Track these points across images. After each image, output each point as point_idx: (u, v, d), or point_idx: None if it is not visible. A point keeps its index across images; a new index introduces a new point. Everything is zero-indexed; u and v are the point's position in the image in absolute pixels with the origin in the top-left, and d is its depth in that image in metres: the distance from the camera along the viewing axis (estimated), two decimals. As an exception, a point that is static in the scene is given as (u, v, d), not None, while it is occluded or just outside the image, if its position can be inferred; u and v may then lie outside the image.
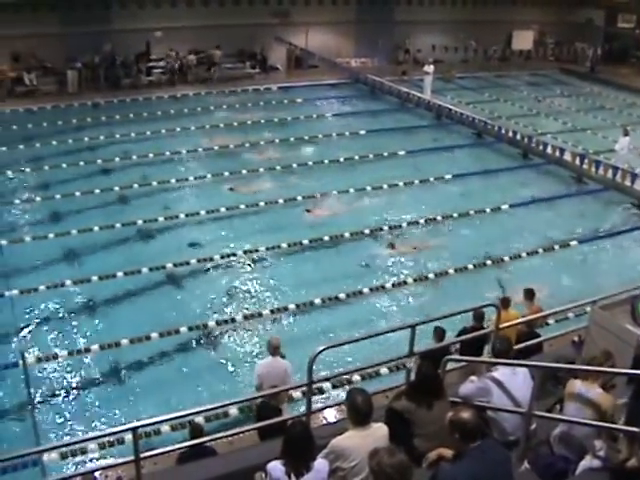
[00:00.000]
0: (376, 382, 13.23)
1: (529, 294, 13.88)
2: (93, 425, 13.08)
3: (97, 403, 13.87)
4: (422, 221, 21.87)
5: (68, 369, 14.90)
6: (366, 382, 13.40)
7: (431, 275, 18.61)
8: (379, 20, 42.47)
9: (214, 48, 39.40)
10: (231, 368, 14.86)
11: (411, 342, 9.23)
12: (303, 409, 9.54)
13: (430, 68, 36.05)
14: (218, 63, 39.44)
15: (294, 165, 26.34)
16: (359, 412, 6.94)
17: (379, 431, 7.05)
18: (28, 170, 25.97)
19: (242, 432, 10.07)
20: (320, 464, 6.72)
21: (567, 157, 26.76)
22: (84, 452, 12.25)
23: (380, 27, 42.38)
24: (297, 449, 6.67)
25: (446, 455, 7.09)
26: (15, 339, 15.41)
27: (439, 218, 22.02)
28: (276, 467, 6.67)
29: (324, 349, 8.47)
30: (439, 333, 12.02)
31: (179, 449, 9.38)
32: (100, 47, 37.58)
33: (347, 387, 13.19)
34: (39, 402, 13.39)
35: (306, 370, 8.58)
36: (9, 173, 25.55)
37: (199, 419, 11.78)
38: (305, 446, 6.69)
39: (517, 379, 8.20)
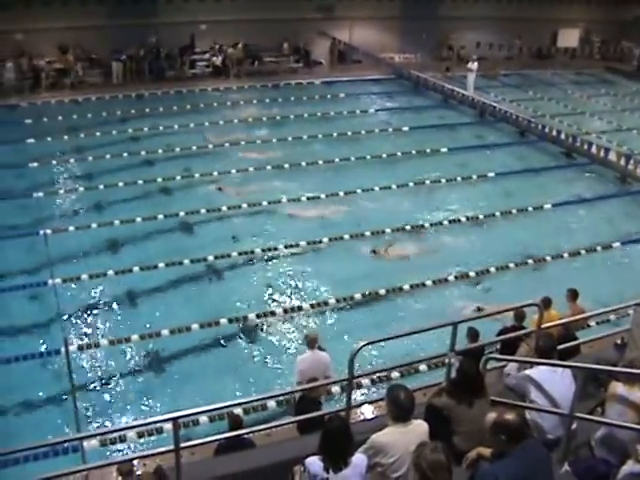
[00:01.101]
0: (415, 379, 13.20)
1: (572, 295, 13.75)
2: (132, 414, 13.24)
3: (136, 392, 14.03)
4: (463, 219, 21.75)
5: (108, 358, 15.08)
6: (405, 379, 13.39)
7: (472, 273, 18.49)
8: (423, 16, 42.24)
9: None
10: (269, 361, 14.93)
11: (452, 340, 9.20)
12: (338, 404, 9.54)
13: (474, 65, 35.84)
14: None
15: (336, 160, 26.30)
16: (401, 408, 6.91)
17: (419, 428, 7.02)
18: (72, 160, 26.30)
19: (281, 425, 10.09)
20: (358, 459, 6.73)
21: (612, 157, 26.48)
22: (123, 440, 12.37)
23: (424, 23, 42.17)
24: (335, 444, 6.67)
25: (485, 454, 7.06)
26: (58, 327, 15.54)
27: (481, 217, 21.86)
28: (314, 462, 6.69)
29: (365, 344, 8.45)
30: (472, 334, 11.95)
31: (218, 440, 9.44)
32: (145, 39, 37.86)
33: (385, 384, 13.20)
34: (80, 389, 13.50)
35: (347, 365, 8.56)
36: (54, 163, 25.87)
37: (238, 411, 11.81)
38: (343, 441, 6.69)
39: (556, 378, 8.14)
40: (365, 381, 13.53)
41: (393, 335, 9.98)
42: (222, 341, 15.57)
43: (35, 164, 25.13)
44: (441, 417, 7.91)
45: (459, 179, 25.00)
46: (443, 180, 24.71)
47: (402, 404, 6.92)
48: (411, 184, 24.10)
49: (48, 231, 19.19)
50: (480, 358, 9.29)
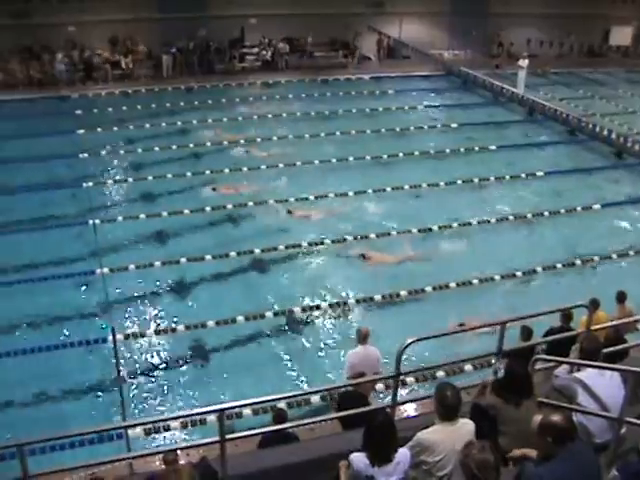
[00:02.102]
0: (460, 379, 13.11)
1: (621, 297, 13.58)
2: (175, 404, 13.36)
3: (180, 382, 14.14)
4: (511, 217, 21.57)
5: (154, 347, 15.24)
6: (450, 378, 13.31)
7: (519, 273, 18.32)
8: (473, 12, 42.03)
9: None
10: (314, 355, 14.94)
11: (500, 340, 9.13)
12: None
13: (524, 62, 35.43)
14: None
15: (384, 156, 26.24)
16: (448, 406, 6.88)
17: (465, 427, 6.99)
18: (122, 152, 26.66)
19: (326, 420, 10.09)
20: (402, 454, 6.73)
21: (664, 158, 26.10)
22: (167, 430, 12.47)
23: (474, 19, 41.96)
24: (379, 439, 6.67)
25: (531, 455, 7.00)
26: (105, 315, 15.73)
27: (529, 216, 21.65)
28: (359, 458, 6.70)
29: (413, 341, 8.41)
30: (526, 332, 11.86)
31: (263, 433, 9.47)
32: (195, 33, 38.12)
33: (430, 382, 13.17)
34: (127, 378, 13.65)
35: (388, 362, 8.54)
36: (103, 154, 26.20)
37: (282, 405, 11.84)
38: (387, 436, 6.69)
39: (604, 381, 8.03)
40: (410, 379, 13.48)
41: (441, 333, 9.93)
42: (267, 334, 15.62)
43: (85, 155, 25.46)
44: (487, 417, 7.85)
45: (507, 177, 24.78)
46: (491, 178, 24.51)
47: (449, 403, 6.89)
48: (459, 181, 23.96)
49: (97, 221, 19.40)
50: (530, 358, 9.20)
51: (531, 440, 6.88)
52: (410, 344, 8.34)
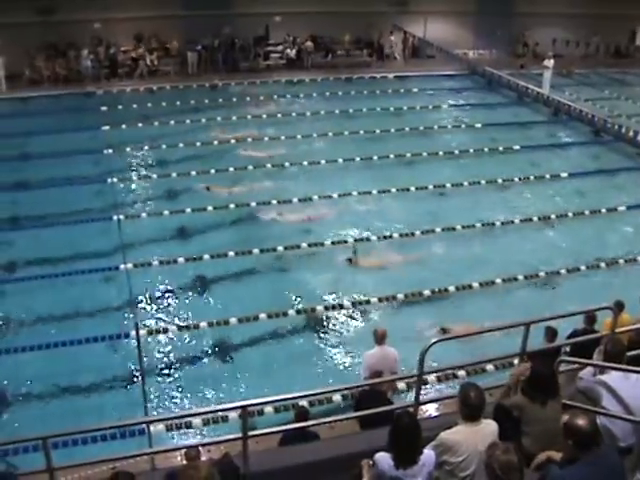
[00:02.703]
0: (482, 379, 13.05)
1: (645, 299, 13.47)
2: (196, 400, 13.41)
3: (201, 379, 14.18)
4: (535, 218, 21.44)
5: (177, 343, 15.31)
6: (471, 378, 13.25)
7: (542, 274, 18.22)
8: (499, 12, 41.72)
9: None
10: (335, 354, 14.94)
11: (524, 340, 9.09)
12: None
13: (550, 62, 35.21)
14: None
15: (408, 155, 26.20)
16: (471, 406, 6.86)
17: (489, 427, 6.96)
18: (146, 148, 26.76)
19: (348, 418, 10.07)
20: (427, 456, 6.68)
21: (690, 160, 25.87)
22: (189, 426, 12.49)
23: (499, 19, 41.67)
24: (405, 441, 6.62)
25: (555, 458, 6.96)
26: (128, 311, 15.81)
27: (553, 217, 21.53)
28: (384, 458, 6.67)
29: (437, 341, 8.40)
30: (551, 333, 11.80)
31: (285, 431, 9.49)
32: (220, 30, 38.21)
33: (451, 382, 13.12)
34: (148, 373, 13.69)
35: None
36: (128, 150, 26.33)
37: (303, 402, 11.85)
38: (413, 438, 6.64)
39: (628, 384, 7.98)
40: (431, 378, 13.44)
41: (463, 333, 9.91)
42: (289, 332, 15.65)
43: (110, 150, 25.58)
44: (510, 418, 7.82)
45: (531, 178, 24.64)
46: (515, 178, 24.39)
47: (472, 403, 6.87)
48: (483, 181, 23.86)
49: (121, 216, 19.50)
50: (555, 358, 9.15)
51: (555, 441, 6.86)
52: (434, 344, 8.32)
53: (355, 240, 19.49)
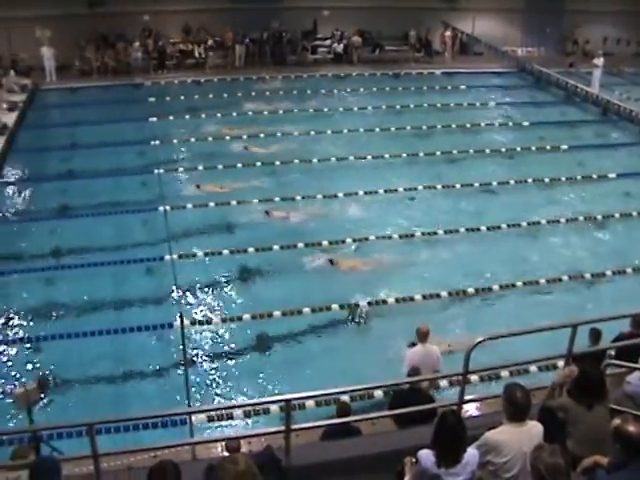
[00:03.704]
0: (524, 380, 12.95)
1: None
2: (237, 391, 13.47)
3: (243, 371, 14.26)
4: (581, 218, 21.21)
5: (220, 335, 15.41)
6: (514, 378, 13.13)
7: (587, 275, 18.00)
8: (549, 9, 41.32)
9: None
10: (377, 349, 14.79)
11: (571, 342, 9.02)
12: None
13: (600, 61, 34.80)
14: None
15: (454, 152, 26.08)
16: (517, 407, 6.81)
17: (534, 429, 6.91)
18: (193, 140, 26.96)
19: (390, 415, 10.06)
20: (471, 456, 6.65)
21: None
22: (230, 417, 12.54)
23: (549, 16, 41.30)
24: (449, 441, 6.59)
25: (602, 463, 6.88)
26: (173, 301, 15.93)
27: (599, 217, 21.28)
28: (427, 456, 6.63)
29: (483, 340, 8.36)
30: (595, 335, 11.66)
31: (328, 425, 9.51)
32: (268, 24, 38.33)
33: (494, 382, 13.03)
34: (191, 364, 13.78)
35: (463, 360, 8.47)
36: (175, 142, 26.52)
37: (344, 397, 11.85)
38: (457, 437, 6.61)
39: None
40: (474, 377, 13.37)
41: (510, 332, 9.82)
42: (333, 326, 15.66)
43: (157, 142, 25.71)
44: (556, 419, 7.75)
45: (579, 177, 24.33)
46: (562, 178, 24.11)
47: (519, 403, 6.81)
48: (529, 180, 23.66)
49: (167, 207, 19.63)
50: (601, 361, 9.06)
51: (601, 445, 6.79)
52: (480, 342, 8.28)
53: (400, 236, 19.46)
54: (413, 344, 13.90)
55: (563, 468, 5.71)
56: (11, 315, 16.00)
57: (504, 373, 13.38)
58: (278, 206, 21.22)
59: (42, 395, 12.97)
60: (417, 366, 10.88)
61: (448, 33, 41.14)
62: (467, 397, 9.18)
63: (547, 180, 23.87)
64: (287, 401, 8.16)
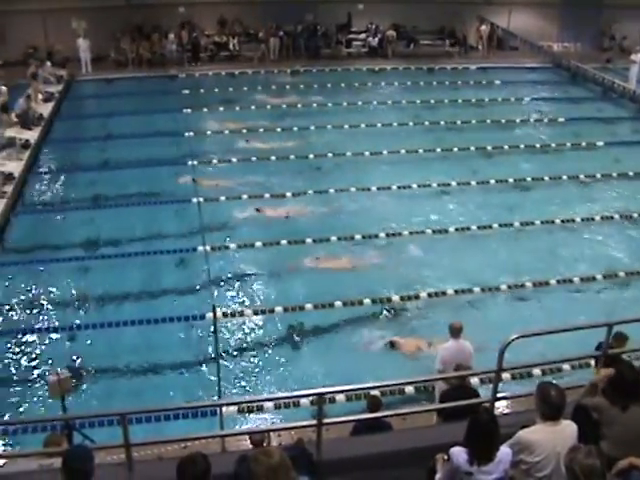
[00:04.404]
0: (557, 379, 12.84)
1: None
2: (267, 384, 13.55)
3: (273, 363, 14.29)
4: (616, 216, 20.98)
5: (251, 327, 15.47)
6: (546, 377, 13.03)
7: (622, 274, 17.76)
8: (586, 4, 40.85)
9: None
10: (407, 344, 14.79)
11: (606, 342, 8.93)
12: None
13: (637, 57, 34.33)
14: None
15: (488, 147, 25.93)
16: (551, 406, 6.72)
17: (568, 428, 6.83)
18: (226, 132, 27.11)
19: (424, 411, 10.05)
20: (504, 454, 6.58)
21: None
22: (260, 410, 12.58)
23: (586, 11, 40.79)
24: (483, 439, 6.53)
25: (638, 464, 6.78)
26: (206, 293, 15.97)
27: (635, 215, 21.02)
28: (460, 453, 6.57)
29: (517, 337, 8.27)
30: (621, 339, 11.45)
31: (360, 420, 9.49)
32: (303, 17, 38.30)
33: (526, 380, 12.94)
34: (222, 356, 13.82)
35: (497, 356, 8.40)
36: (209, 133, 26.65)
37: (375, 392, 11.82)
38: (491, 436, 6.55)
39: None
40: (505, 375, 13.29)
41: (544, 330, 9.73)
42: (364, 320, 15.61)
43: (191, 133, 25.80)
44: (590, 419, 7.67)
45: (614, 174, 24.03)
46: (598, 175, 23.84)
47: (553, 402, 6.73)
48: (564, 177, 23.43)
49: (201, 199, 19.68)
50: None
51: (636, 446, 6.71)
52: (514, 340, 8.21)
53: (433, 231, 19.42)
54: (392, 344, 14.04)
55: (599, 470, 5.63)
56: (45, 304, 16.20)
57: (536, 371, 13.33)
58: (310, 199, 21.25)
59: (75, 384, 13.08)
60: (454, 362, 10.84)
61: (484, 27, 40.85)
62: (499, 394, 9.07)
63: (582, 177, 23.62)
64: (320, 395, 8.15)
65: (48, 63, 32.57)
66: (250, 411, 12.55)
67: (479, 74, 37.12)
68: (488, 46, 41.25)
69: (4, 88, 25.53)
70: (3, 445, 11.78)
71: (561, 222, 20.31)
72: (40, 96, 29.03)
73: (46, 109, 28.15)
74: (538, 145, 26.59)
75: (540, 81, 36.61)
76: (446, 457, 6.84)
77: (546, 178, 23.27)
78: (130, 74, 34.17)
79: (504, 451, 6.61)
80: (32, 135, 24.92)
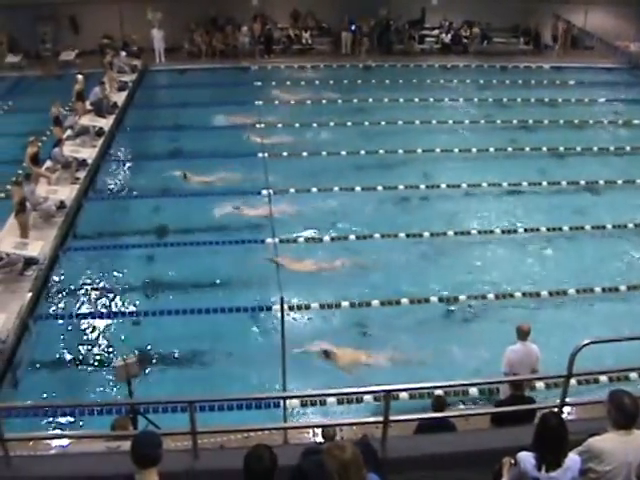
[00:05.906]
0: (624, 386, 12.62)
1: None
2: (331, 379, 13.39)
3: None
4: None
5: (317, 321, 15.60)
6: (614, 384, 12.81)
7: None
8: (667, 2, 40.01)
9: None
10: (475, 345, 14.64)
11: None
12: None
13: None
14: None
15: (561, 148, 25.54)
16: (625, 414, 6.53)
17: (641, 439, 6.70)
18: (297, 126, 27.34)
19: (488, 414, 9.95)
20: (572, 460, 6.46)
21: None
22: (323, 404, 12.66)
23: (667, 10, 39.94)
24: (551, 444, 6.43)
25: None
26: (273, 284, 16.02)
27: None
28: (527, 458, 6.49)
29: (588, 343, 8.14)
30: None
31: (426, 419, 9.46)
32: (376, 11, 38.16)
33: (592, 386, 12.76)
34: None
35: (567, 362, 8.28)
36: (279, 126, 26.86)
37: (439, 392, 11.76)
38: (560, 441, 6.43)
39: None
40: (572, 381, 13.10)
41: (617, 337, 9.59)
42: (430, 319, 15.59)
43: (262, 125, 25.86)
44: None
45: (690, 181, 23.56)
46: (672, 180, 23.37)
47: (627, 410, 6.54)
48: (638, 181, 22.93)
49: (271, 191, 19.77)
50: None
51: None
52: (585, 345, 8.09)
53: (502, 231, 19.25)
54: (325, 353, 13.86)
55: None
56: (114, 289, 16.53)
57: (602, 378, 13.13)
58: (381, 195, 21.22)
59: (142, 369, 13.27)
60: (520, 367, 10.74)
61: (560, 26, 40.25)
62: (567, 400, 8.94)
63: (657, 182, 23.17)
64: (387, 392, 8.13)
65: (123, 53, 33.07)
66: (313, 404, 12.59)
67: (553, 73, 36.51)
68: (563, 45, 40.62)
69: (80, 77, 25.89)
70: (71, 425, 12.05)
71: (634, 226, 19.92)
72: (115, 85, 29.44)
73: (120, 98, 28.54)
74: (612, 148, 26.04)
75: (616, 82, 35.84)
76: (513, 461, 6.75)
77: (619, 182, 22.84)
78: (203, 65, 34.53)
79: (573, 458, 6.48)
80: (106, 123, 25.27)
